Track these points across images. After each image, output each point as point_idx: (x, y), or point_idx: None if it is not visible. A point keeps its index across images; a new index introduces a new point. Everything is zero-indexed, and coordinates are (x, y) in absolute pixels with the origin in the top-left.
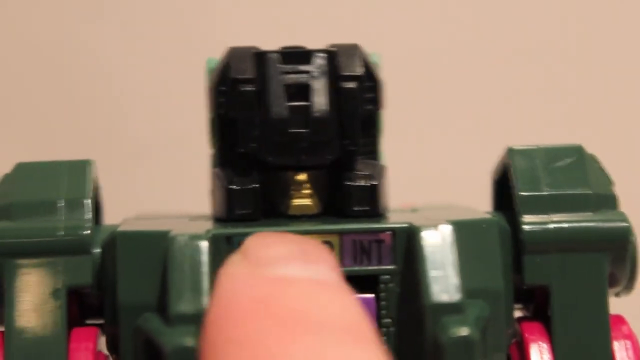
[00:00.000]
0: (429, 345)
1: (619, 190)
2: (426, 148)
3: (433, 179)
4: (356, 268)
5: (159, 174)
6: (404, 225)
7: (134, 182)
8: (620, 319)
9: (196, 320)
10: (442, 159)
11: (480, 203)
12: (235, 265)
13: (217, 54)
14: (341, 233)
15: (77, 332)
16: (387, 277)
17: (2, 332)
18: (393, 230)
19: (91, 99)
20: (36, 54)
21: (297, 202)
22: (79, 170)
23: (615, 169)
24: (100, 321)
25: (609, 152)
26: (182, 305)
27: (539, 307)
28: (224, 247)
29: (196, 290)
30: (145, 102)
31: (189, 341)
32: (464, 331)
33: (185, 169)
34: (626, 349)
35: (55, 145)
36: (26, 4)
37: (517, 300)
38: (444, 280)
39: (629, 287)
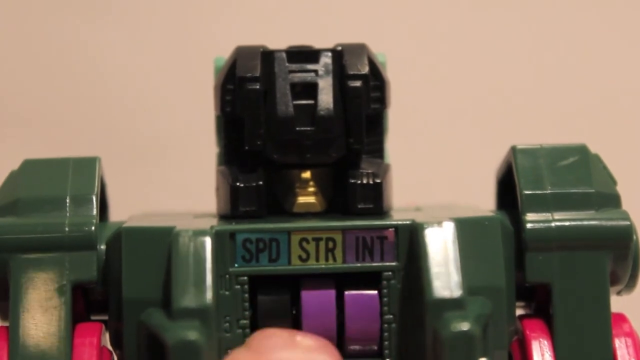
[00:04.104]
0: (430, 340)
1: (622, 190)
2: (431, 148)
3: (437, 178)
4: (359, 265)
5: (164, 173)
6: (406, 222)
7: (139, 180)
8: (621, 317)
9: (199, 315)
10: (447, 158)
11: (484, 203)
12: (237, 353)
13: (225, 53)
14: (344, 230)
15: (82, 327)
16: (390, 273)
17: (7, 327)
18: (396, 227)
19: (96, 97)
20: (41, 53)
21: (301, 199)
22: (85, 166)
23: (619, 169)
24: (105, 317)
25: (613, 153)
26: (186, 300)
27: (541, 304)
28: (227, 243)
29: (200, 285)
30: (150, 101)
31: (192, 335)
32: (464, 326)
33: (191, 168)
34: (627, 346)
35: (61, 143)
36: (35, 2)
37: (519, 298)
38: (445, 277)
39: (630, 285)
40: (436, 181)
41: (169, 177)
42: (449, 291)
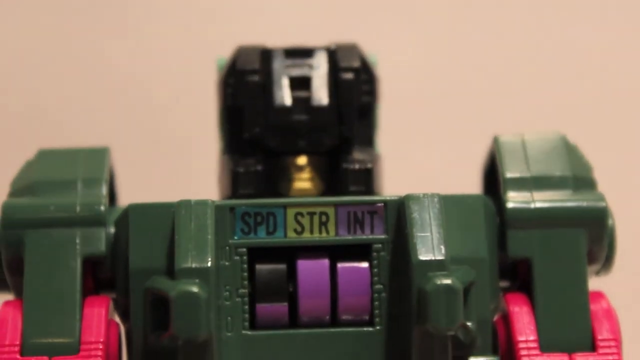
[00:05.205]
0: (415, 300)
1: (603, 183)
2: (422, 146)
3: (428, 176)
4: (350, 237)
5: (165, 171)
6: (394, 197)
7: (139, 179)
8: (600, 295)
9: (200, 274)
10: (438, 156)
11: None
12: None
13: (227, 53)
14: (336, 204)
15: (91, 299)
16: (379, 245)
17: (21, 299)
18: (385, 202)
19: (102, 97)
20: (48, 54)
21: (298, 184)
22: (95, 155)
23: (605, 165)
24: (113, 295)
25: (598, 149)
26: (188, 262)
27: (523, 282)
28: (227, 217)
29: (201, 249)
30: (154, 100)
31: (194, 288)
32: (447, 280)
33: (192, 166)
34: (605, 319)
35: (66, 142)
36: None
37: (503, 277)
38: (429, 242)
39: (607, 265)
40: (427, 179)
41: (169, 175)
42: (432, 254)
